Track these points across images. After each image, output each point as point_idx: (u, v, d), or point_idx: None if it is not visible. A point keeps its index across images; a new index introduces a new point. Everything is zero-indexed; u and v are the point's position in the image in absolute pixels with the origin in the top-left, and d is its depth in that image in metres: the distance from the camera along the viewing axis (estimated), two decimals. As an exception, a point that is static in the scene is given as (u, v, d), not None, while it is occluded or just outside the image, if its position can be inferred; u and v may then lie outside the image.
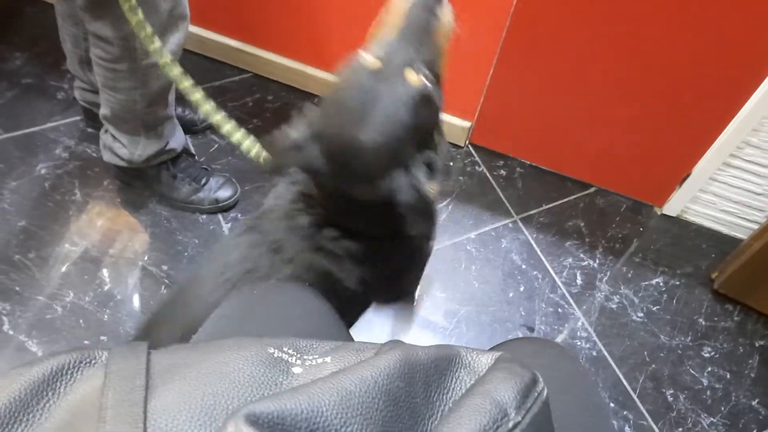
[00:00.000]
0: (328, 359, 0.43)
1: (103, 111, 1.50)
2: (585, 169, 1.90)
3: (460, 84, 1.78)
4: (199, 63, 2.01)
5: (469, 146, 1.96)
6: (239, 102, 1.95)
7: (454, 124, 1.90)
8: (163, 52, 1.19)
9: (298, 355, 0.43)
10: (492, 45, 1.65)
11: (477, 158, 1.94)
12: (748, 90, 1.51)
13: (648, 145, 1.75)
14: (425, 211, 0.93)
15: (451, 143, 1.96)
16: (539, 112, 1.79)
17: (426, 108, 0.82)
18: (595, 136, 1.79)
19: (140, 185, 1.69)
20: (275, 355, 0.43)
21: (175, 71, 1.21)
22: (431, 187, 0.91)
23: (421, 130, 0.83)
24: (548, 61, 1.65)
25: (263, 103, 1.96)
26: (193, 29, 1.91)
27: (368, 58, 0.80)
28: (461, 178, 1.90)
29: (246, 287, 0.79)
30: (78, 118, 1.81)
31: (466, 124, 1.90)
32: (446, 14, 0.85)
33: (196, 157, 1.77)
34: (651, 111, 1.66)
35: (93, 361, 0.41)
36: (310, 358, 0.43)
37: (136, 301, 1.54)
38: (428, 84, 0.80)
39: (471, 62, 1.71)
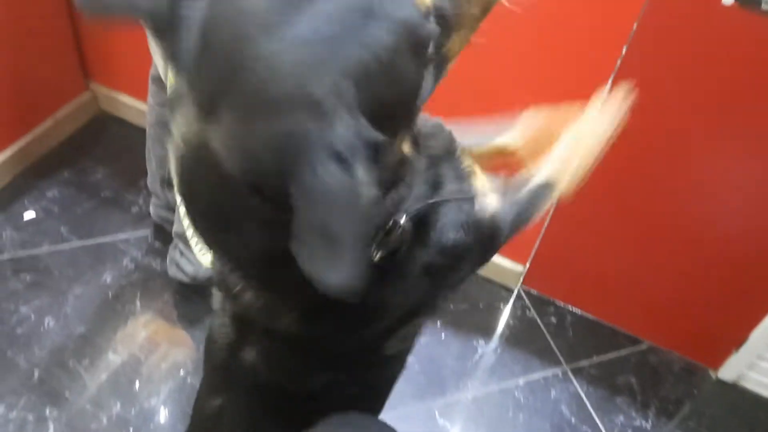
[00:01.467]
0: None
1: (176, 228, 1.58)
2: (638, 324, 1.88)
3: (516, 229, 1.82)
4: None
5: (521, 290, 1.97)
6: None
7: (506, 267, 1.93)
8: None
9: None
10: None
11: (527, 303, 1.95)
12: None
13: (704, 304, 1.73)
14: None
15: (503, 286, 1.97)
16: (594, 261, 1.81)
17: (417, 60, 0.50)
18: (650, 291, 1.78)
19: (199, 301, 1.73)
20: None
21: None
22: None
23: (392, 98, 0.49)
24: (606, 212, 1.69)
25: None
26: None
27: None
28: (511, 321, 1.89)
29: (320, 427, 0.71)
30: (148, 232, 1.90)
31: (519, 268, 1.92)
32: None
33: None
34: (708, 271, 1.66)
35: None
36: None
37: (182, 418, 1.53)
38: (434, 23, 0.51)
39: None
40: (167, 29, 0.49)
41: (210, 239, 0.61)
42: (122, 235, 1.88)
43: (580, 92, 1.47)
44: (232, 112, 0.46)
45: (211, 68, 0.47)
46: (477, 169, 0.74)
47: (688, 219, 1.59)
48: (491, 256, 0.79)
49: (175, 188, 0.59)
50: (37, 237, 1.84)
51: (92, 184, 2.01)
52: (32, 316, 1.66)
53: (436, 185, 0.65)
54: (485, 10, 0.58)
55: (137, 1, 0.50)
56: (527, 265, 1.91)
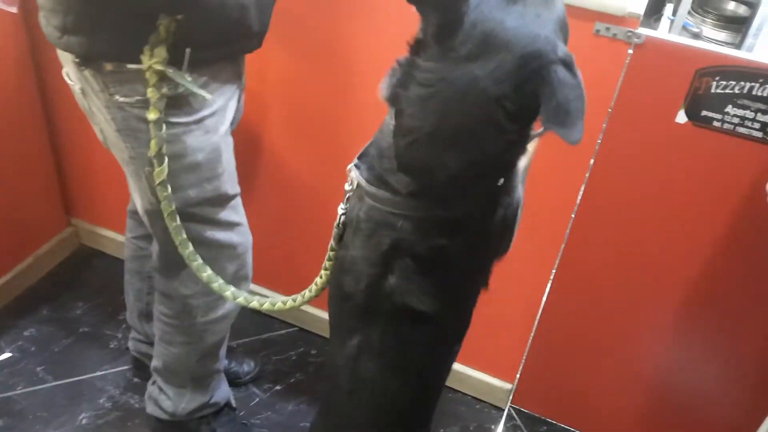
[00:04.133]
0: None
1: (155, 363, 1.55)
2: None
3: (501, 345, 1.81)
4: (248, 316, 2.09)
5: (511, 409, 1.92)
6: (283, 355, 1.99)
7: (494, 385, 1.89)
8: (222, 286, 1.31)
9: None
10: (533, 308, 1.70)
11: (519, 422, 1.89)
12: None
13: (695, 418, 1.69)
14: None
15: (493, 405, 1.93)
16: (583, 377, 1.78)
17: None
18: (644, 407, 1.75)
19: None
20: None
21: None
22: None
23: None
24: (588, 330, 1.69)
25: (306, 356, 2.00)
26: (246, 285, 2.02)
27: None
28: (504, 443, 1.83)
29: None
30: (126, 367, 1.85)
31: (507, 386, 1.88)
32: None
33: (237, 411, 1.76)
34: (689, 384, 1.64)
35: None
36: None
37: None
38: None
39: (511, 322, 1.76)
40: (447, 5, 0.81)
41: (427, 165, 0.89)
42: (100, 372, 1.84)
43: (547, 211, 1.51)
44: (495, 53, 0.80)
45: (480, 28, 0.80)
46: None
47: (673, 330, 1.59)
48: None
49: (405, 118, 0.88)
50: (12, 379, 1.79)
51: (71, 320, 1.99)
52: (2, 465, 1.59)
53: None
54: None
55: None
56: (515, 382, 1.87)
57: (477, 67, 0.81)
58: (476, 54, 0.81)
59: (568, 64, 0.80)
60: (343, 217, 1.04)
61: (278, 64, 1.60)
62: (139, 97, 1.11)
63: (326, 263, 1.13)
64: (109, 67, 1.09)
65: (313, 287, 1.20)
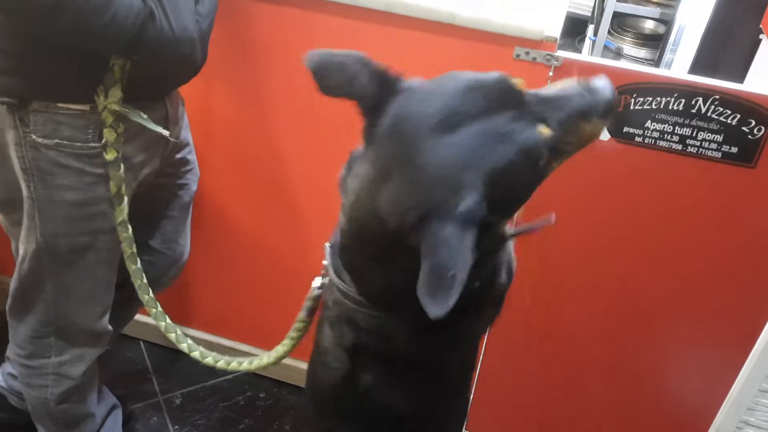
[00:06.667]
0: None
1: (29, 407, 1.50)
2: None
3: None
4: (191, 363, 2.02)
5: (467, 434, 1.91)
6: (231, 401, 1.93)
7: (448, 412, 1.87)
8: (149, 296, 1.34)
9: None
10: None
11: (475, 448, 1.88)
12: (737, 366, 1.53)
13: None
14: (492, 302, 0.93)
15: None
16: (534, 399, 1.79)
17: (531, 171, 0.72)
18: (597, 418, 1.76)
19: None
20: None
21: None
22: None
23: (505, 195, 0.70)
24: (535, 345, 1.70)
25: (255, 401, 1.94)
26: (187, 330, 1.96)
27: (516, 80, 0.74)
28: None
29: None
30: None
31: (461, 411, 1.87)
32: (603, 114, 0.78)
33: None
34: (643, 395, 1.66)
35: None
36: None
37: None
38: (553, 149, 0.72)
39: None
40: (371, 112, 0.73)
41: (359, 271, 0.84)
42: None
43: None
44: (399, 178, 0.69)
45: (394, 146, 0.71)
46: None
47: (614, 349, 1.61)
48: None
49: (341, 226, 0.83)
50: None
51: None
52: None
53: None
54: (582, 147, 0.80)
55: (355, 89, 0.73)
56: (469, 407, 1.86)
57: (382, 187, 0.71)
58: (383, 173, 0.71)
59: (464, 223, 0.66)
60: (317, 292, 1.02)
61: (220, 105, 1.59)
62: (58, 140, 1.09)
63: (292, 333, 1.12)
64: (35, 105, 1.05)
65: (273, 354, 1.21)
